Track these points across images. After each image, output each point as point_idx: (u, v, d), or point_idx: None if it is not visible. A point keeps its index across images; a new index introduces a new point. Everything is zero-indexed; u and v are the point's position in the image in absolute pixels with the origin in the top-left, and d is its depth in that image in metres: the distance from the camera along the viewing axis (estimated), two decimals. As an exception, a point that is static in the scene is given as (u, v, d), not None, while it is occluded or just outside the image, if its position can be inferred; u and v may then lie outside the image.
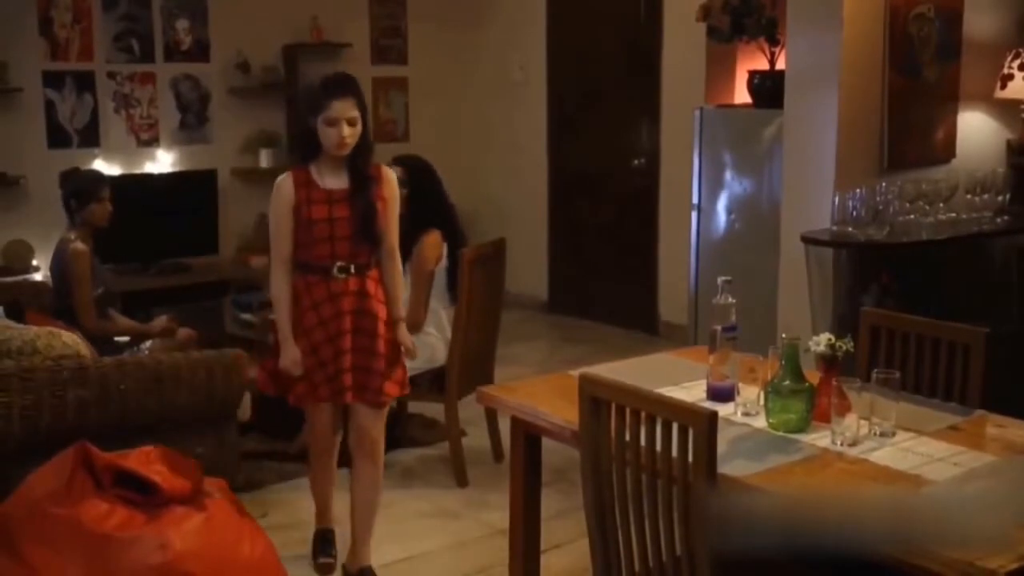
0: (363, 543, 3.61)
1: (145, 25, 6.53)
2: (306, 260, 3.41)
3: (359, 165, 3.40)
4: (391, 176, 3.51)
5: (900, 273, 4.58)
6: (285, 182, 3.38)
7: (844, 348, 2.69)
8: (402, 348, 3.55)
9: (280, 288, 3.42)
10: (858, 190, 4.54)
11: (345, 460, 3.68)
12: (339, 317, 3.40)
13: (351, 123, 3.31)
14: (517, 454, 3.09)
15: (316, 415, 3.57)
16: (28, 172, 6.11)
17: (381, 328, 3.45)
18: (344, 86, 3.34)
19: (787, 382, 2.67)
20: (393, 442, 4.28)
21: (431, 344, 4.39)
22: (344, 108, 3.29)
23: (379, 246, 3.45)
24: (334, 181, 3.39)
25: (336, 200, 3.37)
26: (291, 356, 3.41)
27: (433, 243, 4.37)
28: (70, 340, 3.74)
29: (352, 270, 3.41)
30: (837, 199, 4.55)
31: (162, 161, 6.66)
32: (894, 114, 4.79)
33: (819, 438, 2.62)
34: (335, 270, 3.39)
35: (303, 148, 3.43)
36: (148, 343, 4.70)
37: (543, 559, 3.18)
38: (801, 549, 2.29)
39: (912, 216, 4.68)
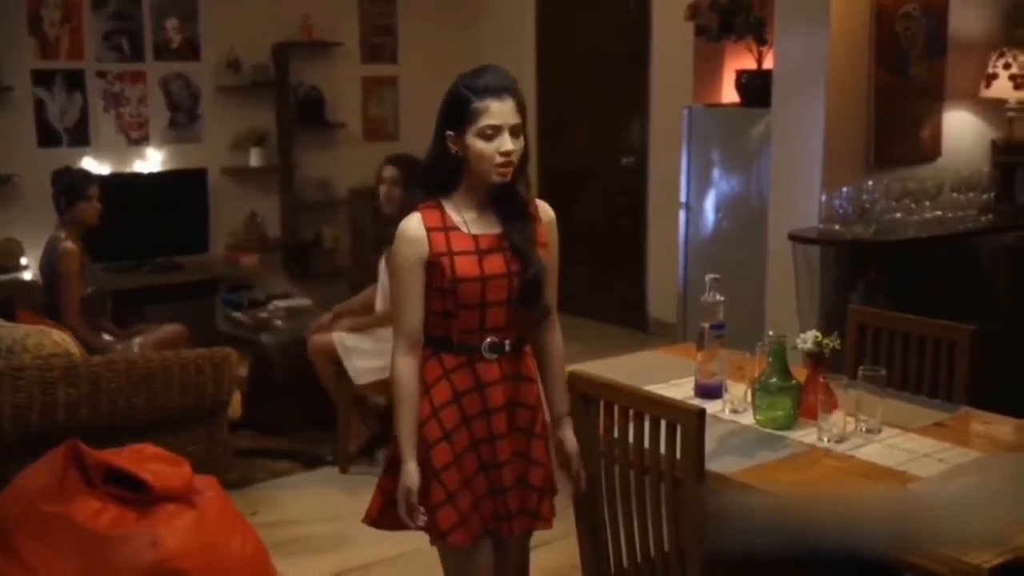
0: None
1: (135, 24, 6.51)
2: (443, 335, 2.44)
3: (516, 198, 2.45)
4: (550, 213, 2.54)
5: (887, 271, 4.61)
6: (413, 226, 2.41)
7: (831, 345, 2.71)
8: (560, 454, 2.60)
9: (407, 375, 2.43)
10: (845, 188, 4.57)
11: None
12: (488, 415, 2.45)
13: (515, 134, 2.39)
14: (507, 451, 3.10)
15: (468, 560, 2.53)
16: (18, 171, 6.10)
17: (540, 426, 2.53)
18: (505, 81, 2.40)
19: (774, 379, 2.69)
20: (386, 440, 4.28)
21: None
22: (507, 112, 2.38)
23: (546, 315, 2.52)
24: (480, 223, 2.44)
25: (486, 250, 2.41)
26: (413, 476, 2.43)
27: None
28: (60, 338, 3.74)
29: (506, 348, 2.46)
30: (824, 197, 4.58)
31: (152, 160, 6.65)
32: (881, 112, 4.81)
33: (806, 435, 2.64)
34: (484, 349, 2.44)
35: (434, 175, 2.48)
36: (138, 339, 4.71)
37: (532, 556, 3.18)
38: (799, 548, 2.30)
39: (899, 214, 4.71)
